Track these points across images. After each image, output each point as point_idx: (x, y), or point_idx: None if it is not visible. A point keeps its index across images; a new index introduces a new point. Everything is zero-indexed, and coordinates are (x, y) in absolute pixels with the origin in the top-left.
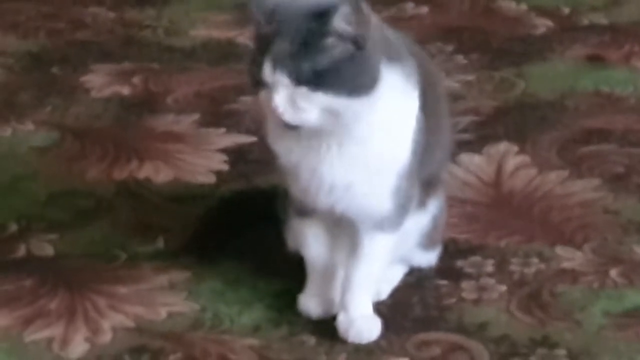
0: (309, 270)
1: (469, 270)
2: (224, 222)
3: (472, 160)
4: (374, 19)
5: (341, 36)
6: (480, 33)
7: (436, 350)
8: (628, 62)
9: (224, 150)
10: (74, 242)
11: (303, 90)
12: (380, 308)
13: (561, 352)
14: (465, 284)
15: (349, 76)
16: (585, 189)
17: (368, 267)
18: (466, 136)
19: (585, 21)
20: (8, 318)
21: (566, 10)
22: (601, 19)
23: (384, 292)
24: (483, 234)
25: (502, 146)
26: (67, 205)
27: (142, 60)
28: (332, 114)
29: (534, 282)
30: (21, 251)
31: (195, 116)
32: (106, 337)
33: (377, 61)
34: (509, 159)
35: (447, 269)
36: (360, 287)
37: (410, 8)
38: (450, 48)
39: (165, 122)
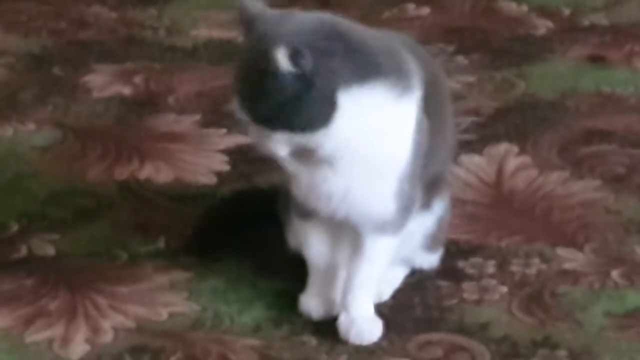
0: (310, 270)
1: (470, 271)
2: (224, 222)
3: (473, 161)
4: (357, 31)
5: (285, 77)
6: (481, 33)
7: (437, 351)
8: (629, 62)
9: (225, 151)
10: (74, 241)
11: (263, 128)
12: (381, 309)
13: (562, 352)
14: (466, 285)
15: (301, 114)
16: (586, 189)
17: (370, 268)
18: (467, 136)
19: (586, 22)
20: (9, 318)
21: (567, 11)
22: (602, 20)
23: (386, 294)
24: (484, 234)
25: (503, 146)
26: (68, 204)
27: (143, 60)
28: (299, 145)
29: (535, 283)
30: (22, 251)
31: (197, 116)
32: (107, 336)
33: (332, 92)
34: (510, 159)
35: (448, 269)
36: (362, 288)
37: (411, 9)
38: (451, 48)
39: (167, 122)
